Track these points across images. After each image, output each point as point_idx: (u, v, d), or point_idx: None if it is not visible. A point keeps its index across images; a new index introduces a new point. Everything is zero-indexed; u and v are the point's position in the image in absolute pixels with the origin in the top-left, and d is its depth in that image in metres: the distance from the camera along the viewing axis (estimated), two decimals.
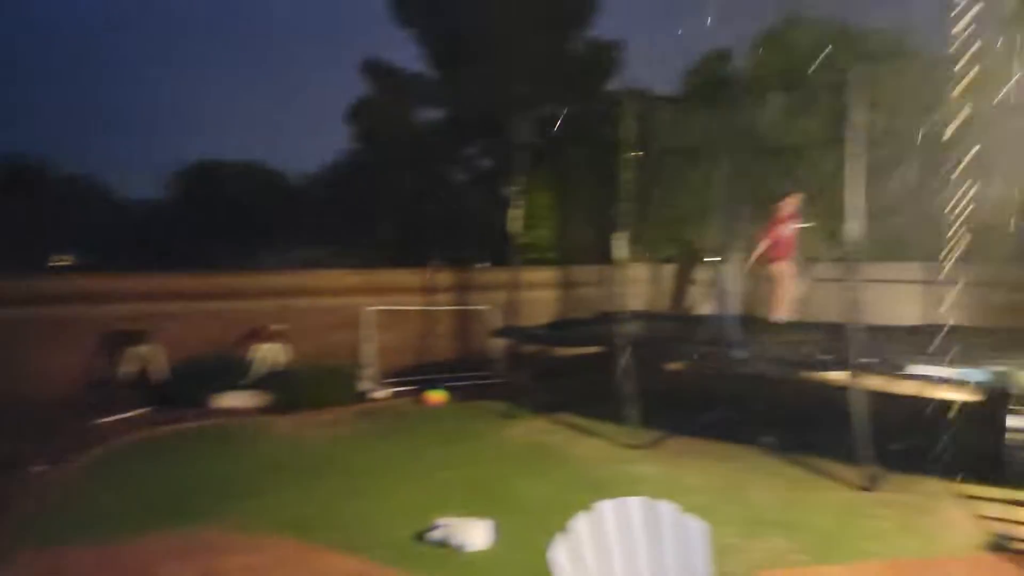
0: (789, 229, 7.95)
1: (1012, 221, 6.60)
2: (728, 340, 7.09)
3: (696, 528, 2.61)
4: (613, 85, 16.47)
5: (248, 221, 17.06)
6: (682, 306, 12.98)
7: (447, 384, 9.58)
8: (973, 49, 6.30)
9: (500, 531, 4.68)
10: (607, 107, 11.07)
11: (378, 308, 10.24)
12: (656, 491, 5.64)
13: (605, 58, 16.89)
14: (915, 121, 7.90)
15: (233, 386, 8.66)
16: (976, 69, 6.45)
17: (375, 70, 17.94)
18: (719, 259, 10.69)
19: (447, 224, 15.18)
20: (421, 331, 10.82)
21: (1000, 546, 4.44)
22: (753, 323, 9.30)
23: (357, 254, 14.39)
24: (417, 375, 9.93)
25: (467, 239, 14.74)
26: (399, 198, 16.18)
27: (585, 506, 5.44)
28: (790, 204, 7.98)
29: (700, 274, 12.71)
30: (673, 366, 10.70)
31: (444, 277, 11.39)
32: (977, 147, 6.68)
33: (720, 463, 6.39)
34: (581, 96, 15.75)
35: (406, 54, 17.51)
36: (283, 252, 18.14)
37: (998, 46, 6.28)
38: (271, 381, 8.80)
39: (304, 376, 8.76)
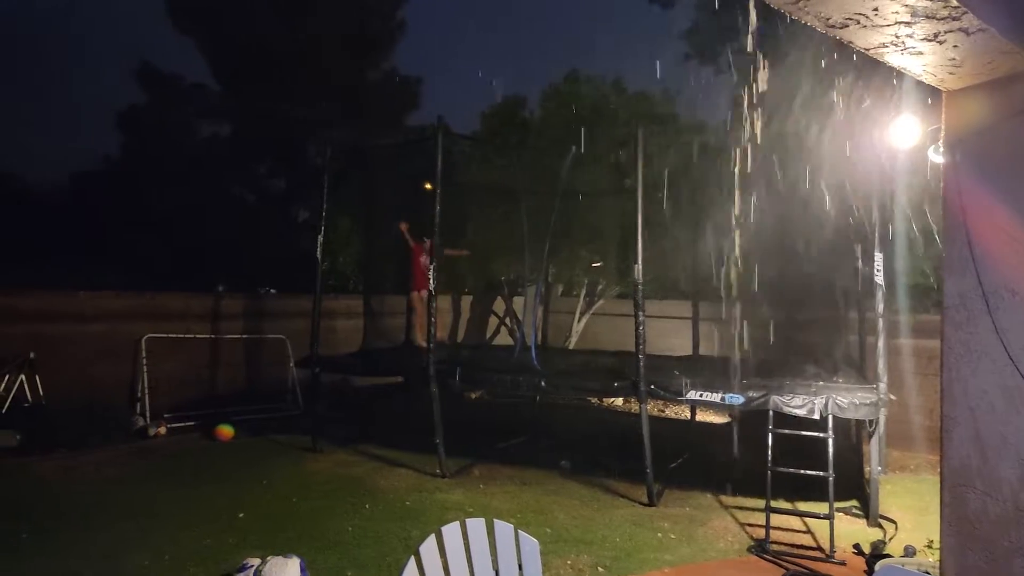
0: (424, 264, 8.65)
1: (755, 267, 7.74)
2: (528, 368, 7.45)
3: (530, 544, 2.78)
4: (413, 118, 16.75)
5: None
6: (485, 335, 13.39)
7: (241, 417, 8.91)
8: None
9: (312, 567, 4.47)
10: (416, 138, 11.21)
11: (156, 336, 9.23)
12: (466, 517, 5.77)
13: (405, 89, 17.14)
14: (679, 177, 8.92)
15: None
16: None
17: (150, 76, 16.48)
18: (519, 292, 11.20)
19: (235, 246, 14.22)
20: (209, 361, 9.91)
21: (762, 548, 5.18)
22: (551, 352, 9.90)
23: (127, 275, 12.82)
24: (205, 408, 9.10)
25: (258, 263, 13.89)
26: (177, 214, 14.82)
27: (397, 536, 5.38)
28: (426, 245, 8.73)
29: (501, 305, 13.23)
30: (477, 394, 10.97)
31: (233, 303, 10.59)
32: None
33: (524, 487, 6.68)
34: (381, 125, 15.79)
35: (180, 60, 16.36)
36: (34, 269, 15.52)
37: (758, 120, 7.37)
38: (18, 418, 7.52)
39: (61, 412, 7.60)
